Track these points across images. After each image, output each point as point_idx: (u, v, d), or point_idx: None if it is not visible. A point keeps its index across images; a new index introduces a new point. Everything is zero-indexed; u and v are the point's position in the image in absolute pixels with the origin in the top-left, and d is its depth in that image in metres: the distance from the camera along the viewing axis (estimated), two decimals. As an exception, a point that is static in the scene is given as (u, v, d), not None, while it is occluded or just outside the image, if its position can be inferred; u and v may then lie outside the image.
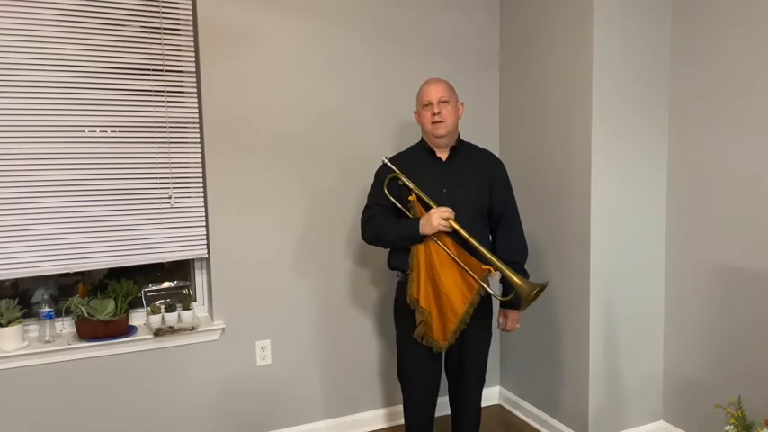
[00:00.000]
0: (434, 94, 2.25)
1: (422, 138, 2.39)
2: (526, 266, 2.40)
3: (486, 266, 2.16)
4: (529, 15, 2.95)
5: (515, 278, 2.15)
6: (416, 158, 2.35)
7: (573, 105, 2.69)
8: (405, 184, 2.26)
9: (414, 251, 2.23)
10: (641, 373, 2.83)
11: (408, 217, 2.26)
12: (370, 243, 2.39)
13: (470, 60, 3.10)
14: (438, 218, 2.15)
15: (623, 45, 2.62)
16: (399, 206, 2.28)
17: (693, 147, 2.64)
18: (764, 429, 2.03)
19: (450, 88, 2.30)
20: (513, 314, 2.41)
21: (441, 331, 2.22)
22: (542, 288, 2.15)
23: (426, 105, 2.27)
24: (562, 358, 2.87)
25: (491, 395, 3.33)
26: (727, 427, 2.12)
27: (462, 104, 2.36)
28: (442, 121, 2.24)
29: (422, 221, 2.19)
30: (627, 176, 2.69)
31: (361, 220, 2.39)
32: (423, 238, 2.21)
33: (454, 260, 2.18)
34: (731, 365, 2.52)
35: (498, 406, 3.33)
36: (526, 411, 3.15)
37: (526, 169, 2.99)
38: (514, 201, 2.44)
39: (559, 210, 2.81)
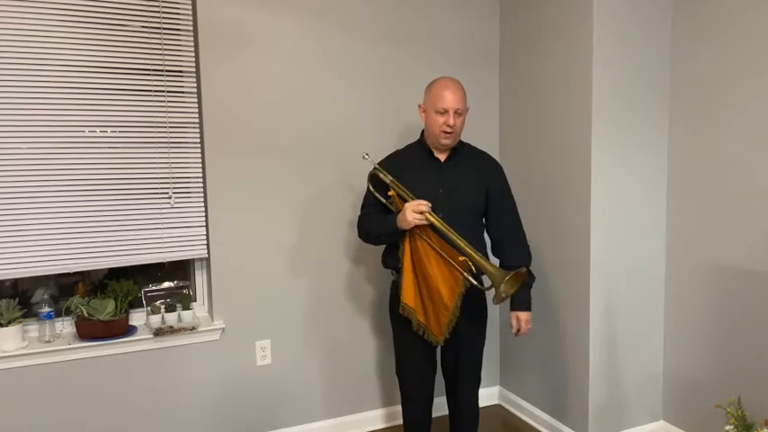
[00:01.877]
0: (452, 104, 2.19)
1: (421, 135, 2.38)
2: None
3: (463, 258, 2.12)
4: (529, 14, 2.95)
5: (487, 266, 2.11)
6: (414, 158, 2.34)
7: (573, 104, 2.69)
8: (391, 180, 2.24)
9: (401, 247, 2.23)
10: (641, 373, 2.83)
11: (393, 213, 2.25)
12: (364, 241, 2.41)
13: (470, 59, 3.10)
14: (411, 212, 2.11)
15: (623, 44, 2.62)
16: (384, 201, 2.27)
17: (694, 146, 2.64)
18: (764, 429, 2.03)
19: (465, 95, 2.26)
20: (523, 315, 2.38)
21: (436, 325, 2.21)
22: (516, 275, 2.07)
23: (441, 112, 2.21)
24: (562, 358, 2.87)
25: (491, 395, 3.33)
26: (727, 427, 2.12)
27: (468, 109, 2.33)
28: (453, 132, 2.22)
29: (399, 216, 2.17)
30: (627, 176, 2.69)
31: (357, 219, 2.41)
32: (405, 233, 2.19)
33: (438, 252, 2.16)
34: (731, 365, 2.52)
35: (498, 406, 3.33)
36: (526, 411, 3.15)
37: (526, 169, 2.99)
38: (515, 205, 2.42)
39: (559, 209, 2.81)
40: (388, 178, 2.24)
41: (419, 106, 2.35)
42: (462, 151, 2.36)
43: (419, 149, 2.36)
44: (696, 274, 2.66)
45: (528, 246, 2.42)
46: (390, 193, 2.23)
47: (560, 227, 2.81)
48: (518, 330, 2.39)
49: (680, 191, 2.72)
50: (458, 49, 3.07)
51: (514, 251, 2.36)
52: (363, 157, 2.33)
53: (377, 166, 2.27)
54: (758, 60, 2.33)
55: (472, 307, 2.27)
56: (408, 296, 2.20)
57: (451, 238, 2.13)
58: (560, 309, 2.85)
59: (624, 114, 2.65)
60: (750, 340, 2.43)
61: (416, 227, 2.16)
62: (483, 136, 3.01)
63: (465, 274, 2.14)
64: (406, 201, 2.19)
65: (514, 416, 3.21)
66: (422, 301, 2.22)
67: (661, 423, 2.89)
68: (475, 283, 2.17)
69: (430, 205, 2.14)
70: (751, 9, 2.35)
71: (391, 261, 2.34)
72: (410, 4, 2.94)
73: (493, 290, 2.13)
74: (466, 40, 3.09)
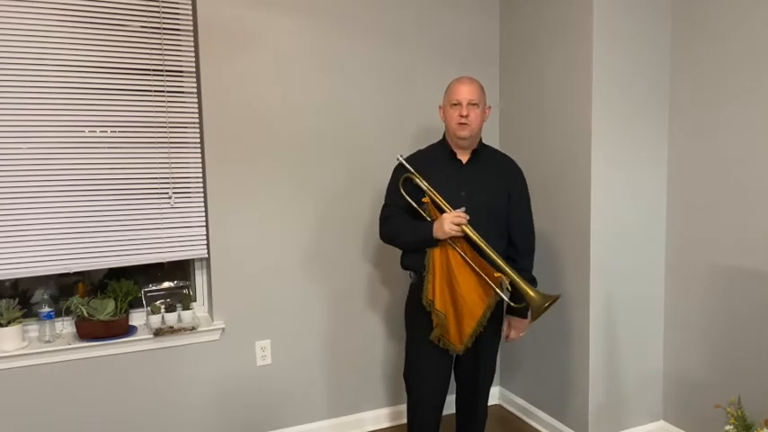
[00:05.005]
0: (465, 94, 2.20)
1: (443, 136, 2.36)
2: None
3: (499, 274, 2.12)
4: (529, 14, 2.95)
5: (528, 289, 2.12)
6: (435, 158, 2.32)
7: (573, 105, 2.69)
8: (427, 187, 2.21)
9: (429, 253, 2.20)
10: (641, 373, 2.83)
11: (423, 218, 2.22)
12: (386, 243, 2.37)
13: (470, 59, 3.10)
14: (449, 223, 2.11)
15: (623, 44, 2.62)
16: (415, 206, 2.24)
17: (693, 146, 2.64)
18: (764, 429, 2.03)
19: (481, 90, 2.25)
20: (521, 324, 2.37)
21: (457, 334, 2.19)
22: (554, 300, 2.12)
23: (455, 104, 2.22)
24: (562, 358, 2.87)
25: (491, 395, 3.30)
26: (727, 427, 2.11)
27: (489, 108, 2.32)
28: (467, 124, 2.21)
29: (435, 226, 2.15)
30: (627, 176, 2.69)
31: (379, 218, 2.38)
32: (437, 242, 2.17)
33: (470, 265, 2.15)
34: (731, 365, 2.52)
35: (498, 406, 3.33)
36: (526, 411, 3.15)
37: (526, 169, 2.95)
38: (531, 211, 2.41)
39: (559, 209, 2.81)
40: (424, 184, 2.21)
41: (439, 107, 2.34)
42: (484, 153, 2.34)
43: (441, 150, 2.34)
44: (696, 274, 2.66)
45: (533, 256, 2.42)
46: (425, 200, 2.20)
47: (560, 227, 2.81)
48: (507, 336, 2.40)
49: (680, 191, 2.72)
50: (457, 48, 3.06)
51: (522, 258, 2.36)
52: (398, 159, 2.28)
53: (412, 171, 2.23)
54: (758, 60, 2.33)
55: (493, 312, 2.26)
56: (442, 304, 2.18)
57: (488, 253, 2.13)
58: (560, 309, 2.85)
59: (624, 114, 2.65)
60: (750, 340, 2.43)
61: (449, 244, 2.15)
62: (483, 136, 3.01)
63: (497, 289, 2.14)
64: (440, 209, 2.18)
65: (514, 416, 3.21)
66: (445, 309, 2.20)
67: (661, 423, 2.89)
68: (507, 299, 2.18)
69: (468, 217, 2.13)
70: (750, 10, 2.35)
71: (412, 263, 2.31)
72: (411, 5, 2.94)
73: (507, 299, 2.19)
74: (466, 39, 3.09)
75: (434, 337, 2.23)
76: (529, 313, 2.24)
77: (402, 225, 2.28)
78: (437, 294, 2.18)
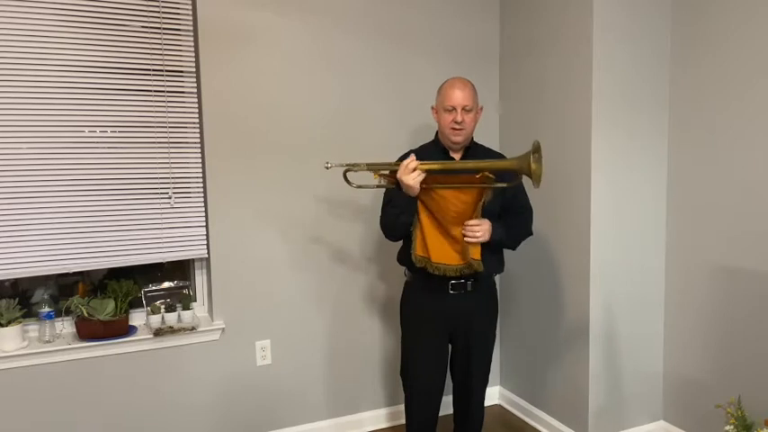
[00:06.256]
0: (459, 100, 2.20)
1: (436, 135, 2.37)
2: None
3: (480, 174, 2.08)
4: (529, 15, 2.95)
5: (507, 163, 2.09)
6: (428, 156, 2.30)
7: (573, 105, 2.69)
8: (366, 165, 2.18)
9: (414, 221, 2.20)
10: (641, 373, 2.82)
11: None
12: (392, 238, 2.34)
13: (470, 59, 3.10)
14: (406, 177, 2.06)
15: (623, 45, 2.62)
16: (384, 185, 2.24)
17: (693, 147, 2.64)
18: (764, 429, 2.03)
19: (475, 92, 2.26)
20: (487, 226, 2.21)
21: (454, 251, 2.18)
22: (538, 148, 1.99)
23: (449, 110, 2.22)
24: (562, 358, 2.87)
25: (491, 395, 3.32)
26: (727, 427, 2.11)
27: (482, 108, 2.33)
28: (462, 129, 2.22)
29: (402, 188, 2.12)
30: (627, 176, 2.69)
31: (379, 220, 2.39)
32: (417, 201, 2.15)
33: (453, 187, 2.13)
34: (731, 365, 2.52)
35: (498, 406, 3.33)
36: (526, 411, 3.15)
37: (526, 169, 2.99)
38: (529, 202, 2.42)
39: (559, 210, 2.81)
40: (362, 165, 2.17)
41: (432, 108, 2.34)
42: (477, 151, 2.35)
43: (434, 148, 2.35)
44: (696, 274, 2.66)
45: (530, 229, 2.42)
46: (374, 176, 2.20)
47: (560, 227, 2.81)
48: (474, 225, 2.18)
49: (680, 191, 2.72)
50: (457, 49, 3.06)
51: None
52: (326, 167, 2.23)
53: (347, 164, 2.21)
54: (758, 60, 2.33)
55: (485, 305, 2.26)
56: (420, 248, 2.19)
57: (457, 167, 2.13)
58: (560, 309, 2.85)
59: (624, 115, 2.65)
60: (750, 340, 2.43)
61: (424, 188, 2.10)
62: (482, 136, 3.01)
63: (485, 180, 2.09)
64: (393, 173, 2.15)
65: (514, 416, 3.21)
66: (437, 242, 2.18)
67: (661, 423, 2.89)
68: (502, 185, 2.10)
69: (414, 157, 2.09)
70: (750, 11, 2.35)
71: (405, 258, 2.31)
72: (411, 5, 2.94)
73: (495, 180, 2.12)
74: (466, 40, 3.09)
75: (434, 269, 2.20)
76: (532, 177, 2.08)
77: (386, 210, 2.29)
78: (418, 246, 2.19)
